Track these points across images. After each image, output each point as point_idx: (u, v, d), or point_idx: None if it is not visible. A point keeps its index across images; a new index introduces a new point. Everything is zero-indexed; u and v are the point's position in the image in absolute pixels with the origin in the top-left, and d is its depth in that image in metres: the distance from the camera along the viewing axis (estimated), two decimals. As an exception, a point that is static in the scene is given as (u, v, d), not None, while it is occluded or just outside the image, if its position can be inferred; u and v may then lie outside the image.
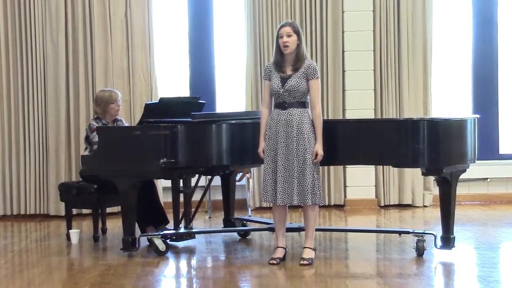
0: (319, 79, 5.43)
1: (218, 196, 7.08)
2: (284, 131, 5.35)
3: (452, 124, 5.60)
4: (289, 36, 5.34)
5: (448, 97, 8.53)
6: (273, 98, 5.47)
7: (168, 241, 5.91)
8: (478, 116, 5.92)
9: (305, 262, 5.36)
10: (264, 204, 7.72)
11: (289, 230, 5.84)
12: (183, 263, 5.78)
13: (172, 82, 8.37)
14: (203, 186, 6.81)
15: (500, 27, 8.53)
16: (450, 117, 5.88)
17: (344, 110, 8.05)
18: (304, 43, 5.43)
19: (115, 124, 6.46)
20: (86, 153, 6.31)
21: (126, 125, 6.70)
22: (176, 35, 8.39)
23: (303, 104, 5.39)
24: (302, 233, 5.77)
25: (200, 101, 6.52)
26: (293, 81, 5.35)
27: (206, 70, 8.35)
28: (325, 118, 7.84)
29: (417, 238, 5.63)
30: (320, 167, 5.43)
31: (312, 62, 5.43)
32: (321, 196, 5.37)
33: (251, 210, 7.78)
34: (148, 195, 6.34)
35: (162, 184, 7.50)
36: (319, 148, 5.32)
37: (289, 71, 5.40)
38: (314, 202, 5.35)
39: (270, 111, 5.49)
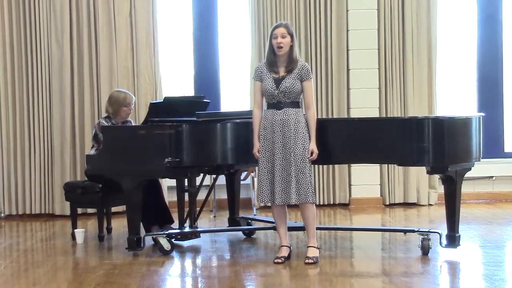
0: (312, 79, 5.48)
1: (223, 195, 7.08)
2: (280, 130, 5.37)
3: (457, 123, 5.59)
4: (283, 37, 5.37)
5: (453, 95, 8.51)
6: (264, 99, 5.49)
7: (173, 240, 5.91)
8: (483, 114, 5.91)
9: (310, 261, 5.36)
10: (269, 203, 7.71)
11: (294, 229, 5.84)
12: (188, 262, 5.79)
13: (176, 81, 8.37)
14: (208, 185, 6.81)
15: (504, 24, 8.50)
16: (455, 115, 5.87)
17: (348, 108, 8.04)
18: (297, 45, 5.48)
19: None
20: (93, 151, 6.31)
21: (134, 125, 6.70)
22: (180, 34, 8.39)
23: (297, 104, 5.44)
24: (307, 232, 5.78)
25: (204, 100, 6.52)
26: (288, 82, 5.37)
27: (211, 69, 8.35)
28: (330, 116, 7.89)
29: (422, 236, 5.62)
30: (324, 166, 5.44)
31: (305, 64, 5.47)
32: (314, 194, 5.43)
33: (256, 209, 7.78)
34: (153, 194, 6.34)
35: (167, 183, 7.51)
36: (314, 147, 5.37)
37: (282, 72, 5.41)
38: (312, 200, 5.38)
39: (262, 111, 5.51)
